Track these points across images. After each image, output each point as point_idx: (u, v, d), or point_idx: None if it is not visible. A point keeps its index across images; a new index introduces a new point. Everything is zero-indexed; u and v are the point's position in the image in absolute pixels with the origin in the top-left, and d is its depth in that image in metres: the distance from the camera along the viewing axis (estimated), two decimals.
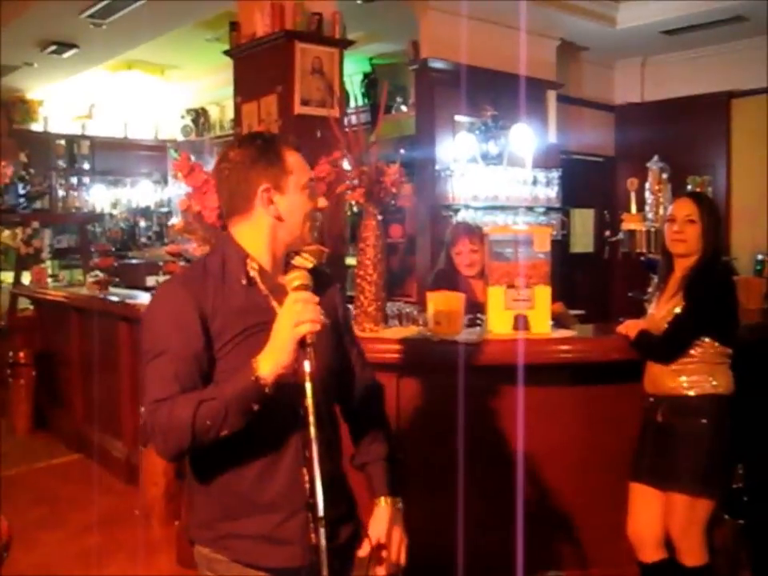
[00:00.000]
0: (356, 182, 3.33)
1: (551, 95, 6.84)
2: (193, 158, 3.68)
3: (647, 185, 4.02)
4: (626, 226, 3.91)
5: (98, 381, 5.59)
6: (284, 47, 4.46)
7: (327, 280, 1.95)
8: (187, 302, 1.68)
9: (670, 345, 2.89)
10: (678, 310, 2.86)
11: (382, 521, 1.89)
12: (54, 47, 6.32)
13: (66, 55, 6.56)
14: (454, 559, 3.14)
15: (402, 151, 6.00)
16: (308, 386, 1.54)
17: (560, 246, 6.68)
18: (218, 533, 1.75)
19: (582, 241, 7.62)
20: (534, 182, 6.18)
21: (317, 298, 1.59)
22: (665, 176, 3.99)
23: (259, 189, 1.73)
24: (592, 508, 3.39)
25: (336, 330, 1.88)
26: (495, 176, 6.01)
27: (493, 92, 5.81)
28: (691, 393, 2.84)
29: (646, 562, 3.01)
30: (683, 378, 2.85)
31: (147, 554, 3.83)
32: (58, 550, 4.10)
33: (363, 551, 1.84)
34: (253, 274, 1.73)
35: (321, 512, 1.52)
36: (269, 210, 1.74)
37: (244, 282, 1.73)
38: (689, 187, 4.63)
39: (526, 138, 6.02)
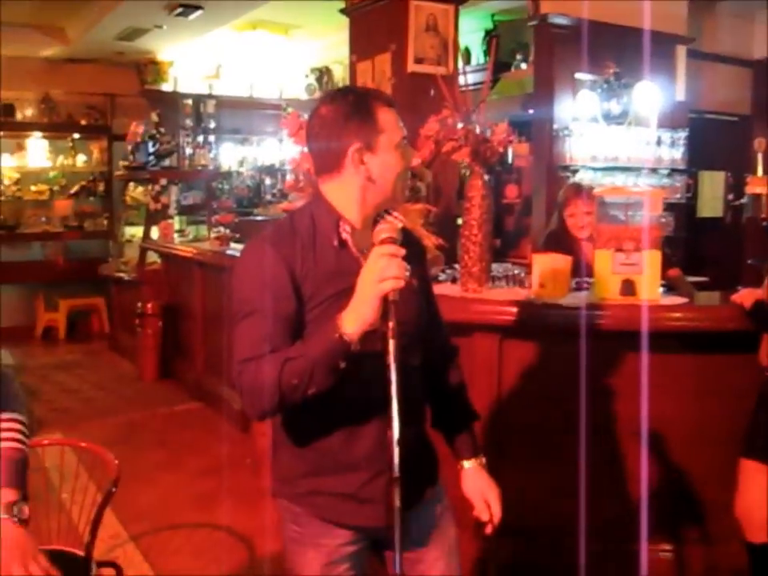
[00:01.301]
0: (462, 140, 3.29)
1: (681, 50, 6.47)
2: (304, 116, 3.72)
3: None
4: (751, 189, 3.70)
5: (218, 333, 5.81)
6: (398, 4, 4.42)
7: (415, 241, 1.94)
8: (278, 263, 1.67)
9: None
10: None
11: (477, 481, 1.92)
12: (180, 9, 6.49)
13: (191, 17, 6.72)
14: (561, 526, 3.11)
15: (530, 111, 5.89)
16: (391, 343, 1.53)
17: (686, 209, 6.39)
18: (302, 488, 1.78)
19: (711, 205, 7.24)
20: (659, 143, 5.92)
21: (403, 251, 1.56)
22: None
23: (350, 149, 1.68)
24: (703, 482, 3.28)
25: (423, 289, 1.86)
26: (617, 136, 5.79)
27: (616, 48, 5.57)
28: None
29: (754, 542, 2.89)
30: None
31: (255, 501, 3.98)
32: (174, 491, 4.33)
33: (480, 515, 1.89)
34: (345, 236, 1.71)
35: (396, 472, 1.52)
36: (359, 171, 1.69)
37: (336, 243, 1.70)
38: None
39: (651, 96, 5.76)
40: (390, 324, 1.53)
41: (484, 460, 1.96)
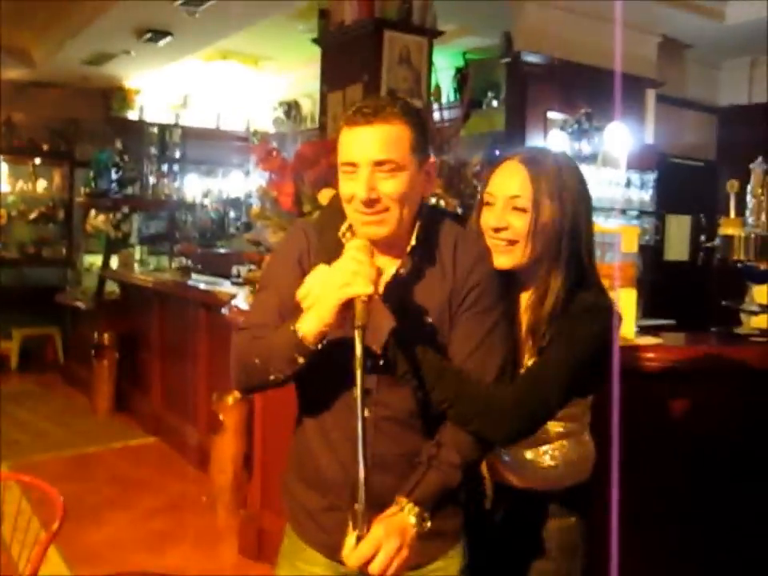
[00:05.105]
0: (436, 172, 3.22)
1: (650, 94, 6.55)
2: (273, 145, 3.64)
3: (749, 188, 3.76)
4: (724, 230, 3.65)
5: (177, 366, 5.65)
6: (372, 35, 4.37)
7: (472, 248, 1.69)
8: (296, 249, 1.68)
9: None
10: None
11: (385, 521, 1.49)
12: (149, 35, 6.40)
13: (161, 43, 6.62)
14: None
15: (496, 150, 5.85)
16: (357, 355, 1.42)
17: (653, 252, 6.40)
18: (288, 483, 1.79)
19: (678, 248, 7.26)
20: (628, 184, 5.93)
21: (369, 260, 1.47)
22: None
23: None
24: None
25: (452, 304, 1.62)
26: (587, 176, 5.77)
27: (588, 89, 5.58)
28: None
29: None
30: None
31: (210, 541, 3.81)
32: (126, 531, 4.13)
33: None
34: None
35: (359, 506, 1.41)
36: None
37: None
38: None
39: (622, 137, 5.77)
40: (358, 337, 1.43)
41: (424, 517, 1.52)
